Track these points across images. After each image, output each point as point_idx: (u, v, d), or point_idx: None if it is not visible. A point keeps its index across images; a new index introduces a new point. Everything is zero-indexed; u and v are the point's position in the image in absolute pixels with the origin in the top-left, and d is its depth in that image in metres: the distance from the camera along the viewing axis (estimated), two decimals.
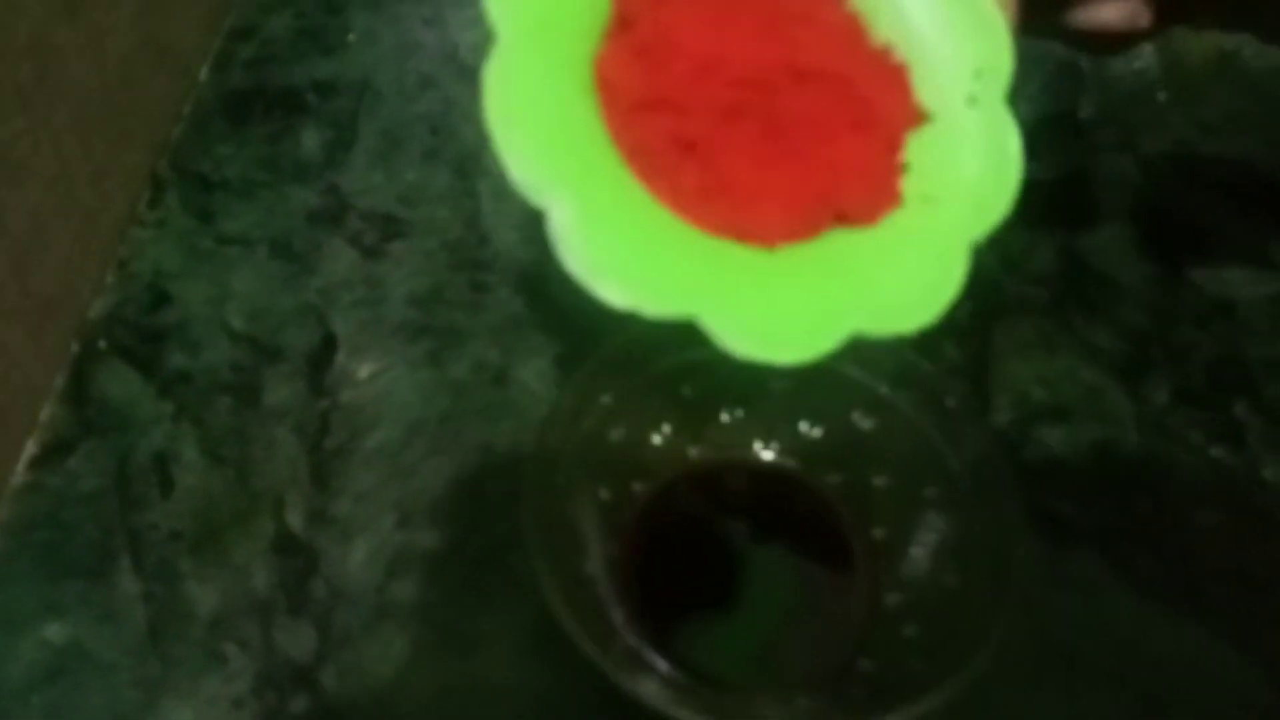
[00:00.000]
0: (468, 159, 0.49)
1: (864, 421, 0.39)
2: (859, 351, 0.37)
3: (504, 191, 0.48)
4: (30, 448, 0.41)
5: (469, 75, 0.51)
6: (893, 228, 0.26)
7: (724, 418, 0.40)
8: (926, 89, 0.27)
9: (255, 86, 0.51)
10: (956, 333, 0.45)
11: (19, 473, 0.40)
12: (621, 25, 0.26)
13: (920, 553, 0.37)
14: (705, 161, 0.25)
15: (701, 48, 0.26)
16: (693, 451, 0.40)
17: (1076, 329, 0.46)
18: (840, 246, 0.26)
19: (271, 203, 0.47)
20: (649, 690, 0.33)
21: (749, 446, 0.40)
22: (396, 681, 0.37)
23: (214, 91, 0.51)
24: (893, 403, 0.38)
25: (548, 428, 0.36)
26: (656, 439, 0.39)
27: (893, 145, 0.27)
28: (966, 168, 0.26)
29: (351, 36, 0.53)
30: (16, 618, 0.37)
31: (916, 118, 0.27)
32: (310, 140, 0.49)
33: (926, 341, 0.44)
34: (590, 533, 0.37)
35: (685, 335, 0.38)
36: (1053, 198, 0.50)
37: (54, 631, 0.37)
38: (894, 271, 0.26)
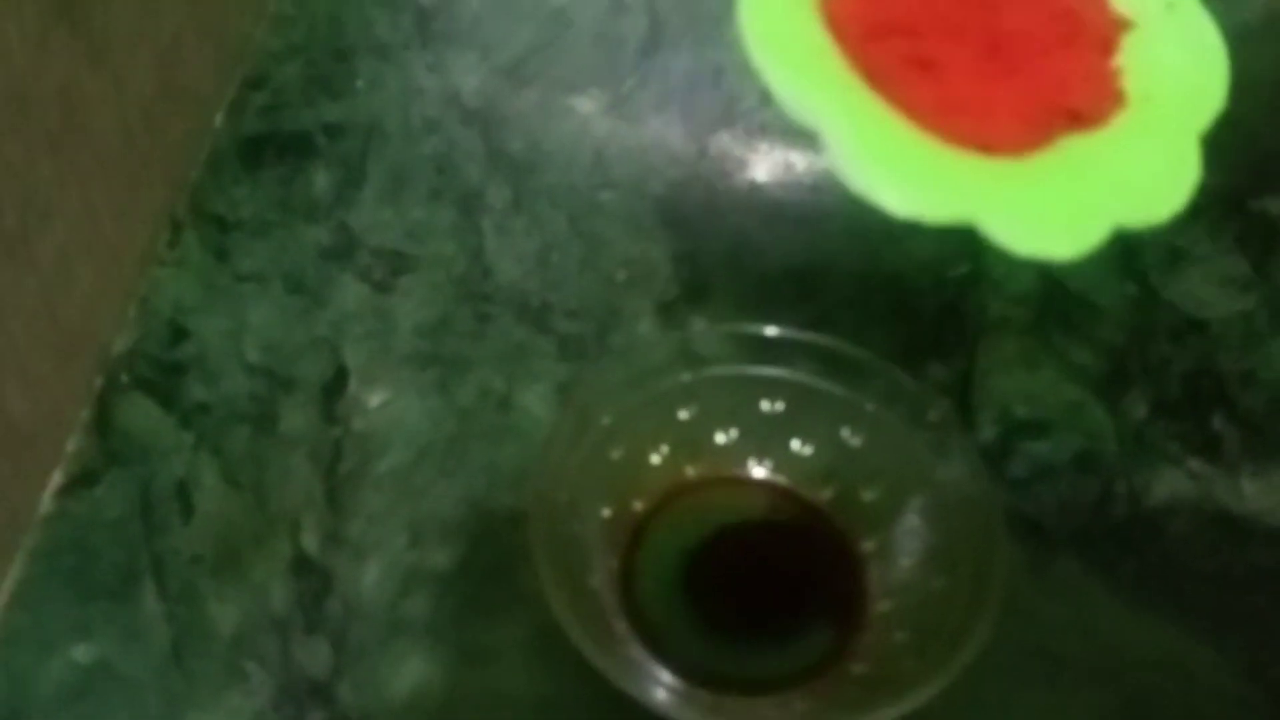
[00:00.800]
0: (471, 196, 0.51)
1: (853, 438, 0.41)
2: (845, 372, 0.40)
3: (506, 226, 0.50)
4: (57, 478, 0.43)
5: (472, 117, 0.54)
6: (1122, 127, 0.27)
7: (719, 438, 0.41)
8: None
9: (268, 131, 0.53)
10: (941, 352, 0.47)
11: (47, 501, 0.42)
12: None
13: (908, 561, 0.39)
14: (940, 79, 0.27)
15: None
16: (690, 470, 0.41)
17: (1057, 346, 0.48)
18: (1082, 149, 0.27)
19: (284, 241, 0.50)
20: (651, 696, 0.34)
21: (743, 464, 0.42)
22: (410, 694, 0.38)
23: (229, 136, 0.53)
24: (880, 419, 0.40)
25: (550, 448, 0.38)
26: (655, 458, 0.41)
27: (1106, 51, 0.29)
28: (1177, 65, 0.28)
29: (360, 82, 0.55)
30: (46, 639, 0.39)
31: (1121, 25, 0.29)
32: (321, 181, 0.52)
33: (914, 361, 0.47)
34: (593, 548, 0.39)
35: (678, 357, 0.40)
36: None
37: (82, 652, 0.39)
38: (1137, 166, 0.27)
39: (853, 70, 0.26)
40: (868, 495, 0.40)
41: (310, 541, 0.41)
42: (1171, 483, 0.44)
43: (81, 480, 0.43)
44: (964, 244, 0.51)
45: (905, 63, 0.27)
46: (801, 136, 0.25)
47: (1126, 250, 0.50)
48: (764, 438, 0.41)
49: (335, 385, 0.45)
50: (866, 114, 0.25)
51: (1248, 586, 0.41)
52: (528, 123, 0.54)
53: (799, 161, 0.52)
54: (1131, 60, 0.28)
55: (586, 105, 0.54)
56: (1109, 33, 0.29)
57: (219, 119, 0.53)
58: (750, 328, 0.41)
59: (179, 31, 0.50)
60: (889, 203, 0.24)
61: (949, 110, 0.26)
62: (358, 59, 0.56)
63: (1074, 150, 0.27)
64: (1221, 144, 0.27)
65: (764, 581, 0.39)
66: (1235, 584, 0.41)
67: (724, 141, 0.53)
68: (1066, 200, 0.26)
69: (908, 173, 0.25)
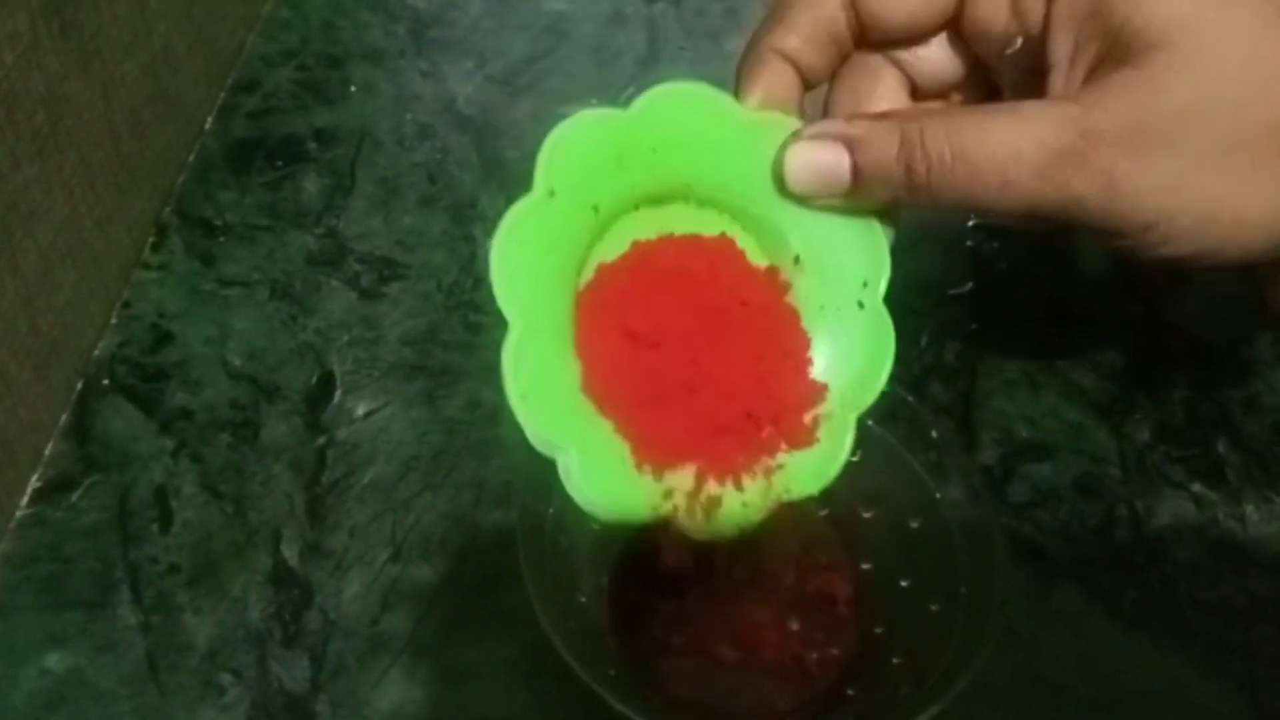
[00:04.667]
0: (463, 205, 0.51)
1: (853, 456, 0.40)
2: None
3: None
4: (34, 482, 0.42)
5: (466, 125, 0.53)
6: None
7: None
8: (826, 291, 0.33)
9: (258, 135, 0.52)
10: (943, 373, 0.46)
11: (23, 506, 0.41)
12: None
13: (907, 584, 0.38)
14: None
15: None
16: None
17: (1059, 369, 0.47)
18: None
19: (272, 246, 0.49)
20: (641, 717, 0.33)
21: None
22: (390, 712, 0.37)
23: (218, 140, 0.52)
24: (880, 438, 0.39)
25: (538, 460, 0.37)
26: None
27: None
28: (854, 358, 0.33)
29: (352, 88, 0.54)
30: (18, 647, 0.38)
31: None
32: (311, 186, 0.51)
33: (914, 381, 0.46)
34: (582, 563, 0.38)
35: None
36: (1036, 244, 0.51)
37: (55, 661, 0.38)
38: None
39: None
40: (866, 514, 0.39)
41: (290, 553, 0.40)
42: (1174, 508, 0.43)
43: (58, 485, 0.42)
44: (967, 262, 0.50)
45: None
46: None
47: (1131, 273, 0.50)
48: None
49: (320, 394, 0.44)
50: (593, 449, 0.31)
51: (1251, 616, 0.40)
52: (522, 132, 0.53)
53: None
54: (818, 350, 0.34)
55: None
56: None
57: (208, 122, 0.53)
58: None
59: (171, 37, 0.49)
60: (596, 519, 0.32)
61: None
62: (351, 65, 0.55)
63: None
64: None
65: (758, 600, 0.38)
66: (1238, 613, 0.40)
67: None
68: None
69: (610, 497, 0.32)
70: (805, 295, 0.33)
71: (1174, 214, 0.31)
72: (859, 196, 0.32)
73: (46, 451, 0.42)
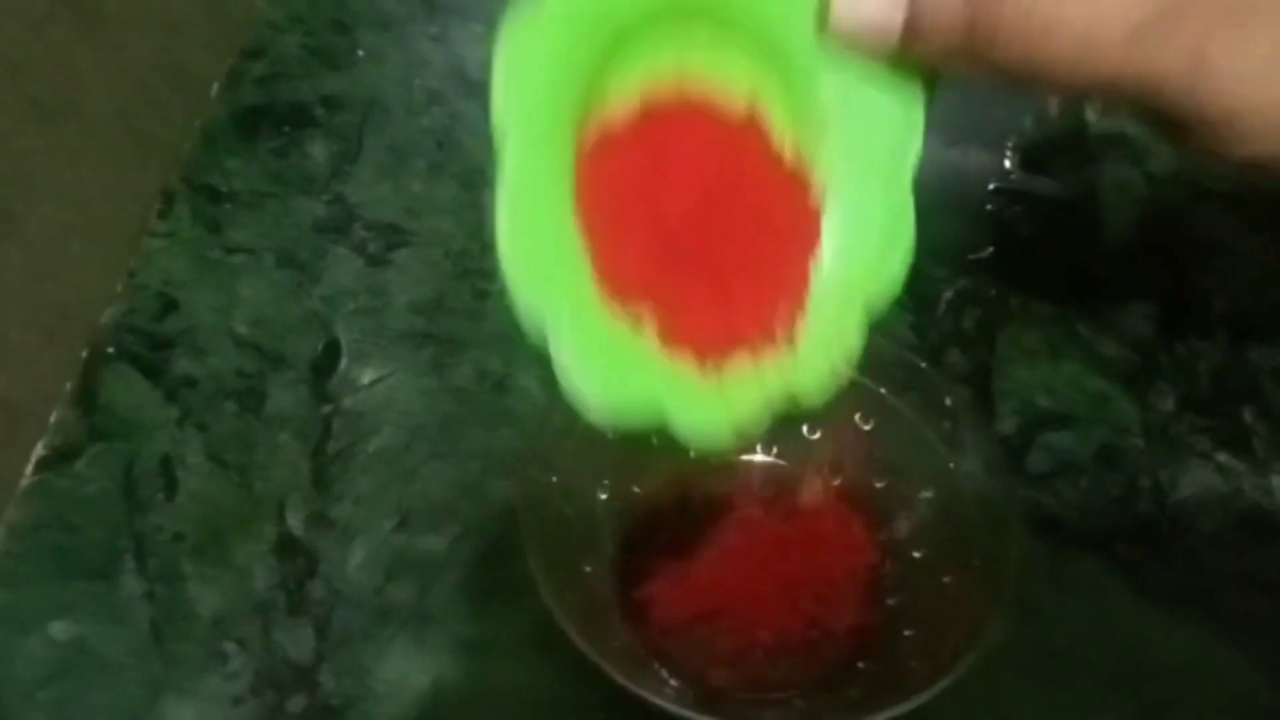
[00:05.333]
0: (473, 172, 0.50)
1: (865, 424, 0.39)
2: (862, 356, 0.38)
3: None
4: (39, 450, 0.41)
5: (475, 90, 0.52)
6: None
7: None
8: (850, 160, 0.30)
9: (265, 102, 0.52)
10: (962, 340, 0.45)
11: (28, 475, 0.41)
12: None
13: (920, 555, 0.37)
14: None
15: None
16: (693, 452, 0.40)
17: (1082, 338, 0.46)
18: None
19: (279, 213, 0.48)
20: (648, 690, 0.33)
21: (750, 448, 0.40)
22: (393, 683, 0.37)
23: (225, 107, 0.52)
24: (894, 406, 0.38)
25: (545, 427, 0.36)
26: (656, 440, 0.39)
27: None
28: (870, 239, 0.30)
29: (361, 54, 0.54)
30: (24, 616, 0.38)
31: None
32: (318, 153, 0.50)
33: (932, 348, 0.45)
34: (589, 533, 0.37)
35: None
36: (1061, 210, 0.50)
37: (60, 630, 0.38)
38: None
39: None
40: (879, 484, 0.39)
41: (295, 522, 0.40)
42: (1199, 479, 0.42)
43: (64, 454, 0.41)
44: (987, 227, 0.49)
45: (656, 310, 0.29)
46: None
47: (1159, 239, 0.49)
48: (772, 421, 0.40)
49: (326, 362, 0.44)
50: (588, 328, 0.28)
51: (1277, 589, 0.39)
52: None
53: None
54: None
55: None
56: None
57: (215, 89, 0.52)
58: None
59: (178, 4, 0.49)
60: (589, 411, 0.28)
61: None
62: (360, 30, 0.54)
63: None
64: None
65: (767, 571, 0.37)
66: (1264, 586, 0.39)
67: None
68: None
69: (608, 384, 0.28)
70: (826, 161, 0.30)
71: (1263, 105, 0.27)
72: (909, 50, 0.28)
73: (52, 419, 0.42)
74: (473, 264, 0.47)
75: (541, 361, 0.28)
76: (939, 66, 0.29)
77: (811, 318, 0.30)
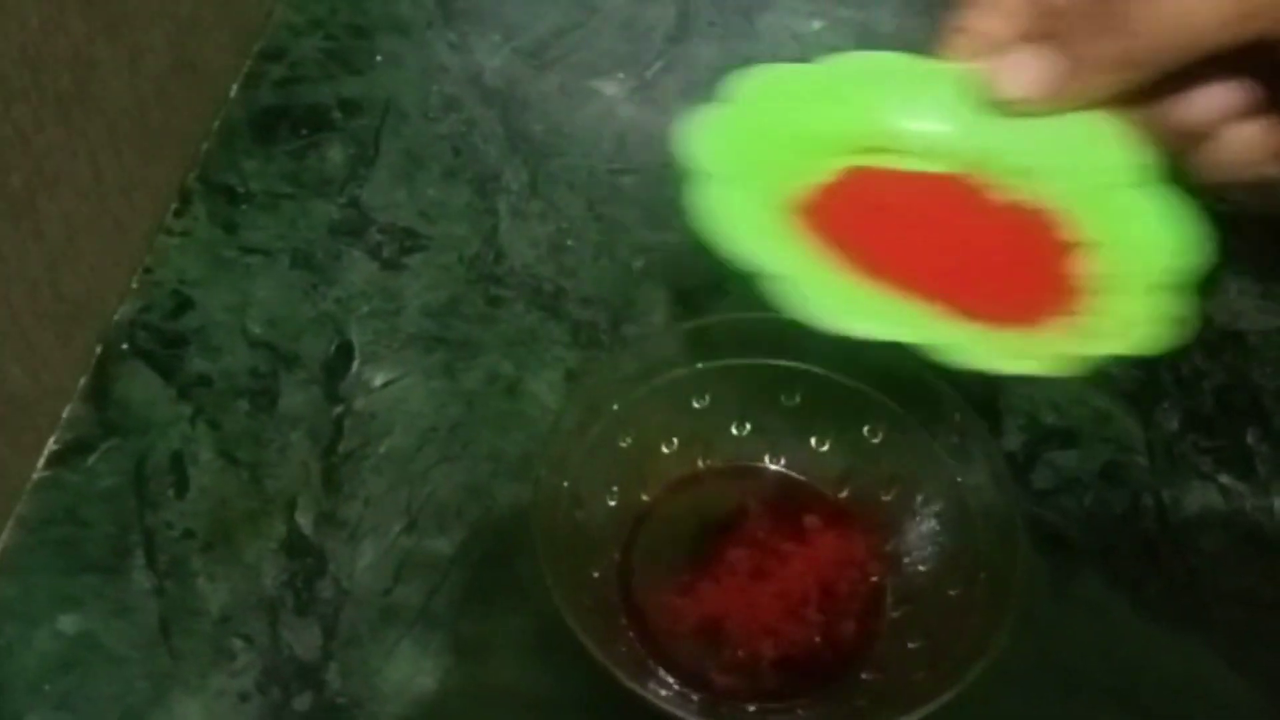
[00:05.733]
0: (488, 178, 0.50)
1: (873, 436, 0.39)
2: (869, 368, 0.38)
3: (522, 209, 0.49)
4: (51, 445, 0.42)
5: (492, 97, 0.52)
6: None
7: (734, 430, 0.40)
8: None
9: (283, 104, 0.52)
10: None
11: (40, 469, 0.41)
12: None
13: (926, 567, 0.38)
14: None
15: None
16: (702, 462, 0.40)
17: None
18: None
19: (294, 215, 0.48)
20: (654, 695, 0.33)
21: (758, 458, 0.40)
22: (400, 683, 0.37)
23: (243, 108, 0.52)
24: (902, 419, 0.39)
25: (556, 432, 0.37)
26: (665, 448, 0.40)
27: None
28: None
29: (379, 58, 0.54)
30: (33, 609, 0.38)
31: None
32: (335, 156, 0.51)
33: (939, 364, 0.45)
34: (597, 538, 0.38)
35: (692, 346, 0.39)
36: None
37: (68, 623, 0.38)
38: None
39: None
40: (886, 496, 0.39)
41: (305, 521, 0.40)
42: (1201, 498, 0.42)
43: (76, 448, 0.42)
44: None
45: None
46: None
47: None
48: (780, 432, 0.40)
49: (338, 363, 0.44)
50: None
51: (1277, 608, 0.40)
52: (549, 105, 0.53)
53: None
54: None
55: (610, 89, 0.53)
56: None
57: (234, 90, 0.52)
58: (768, 318, 0.39)
59: (198, 4, 0.49)
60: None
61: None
62: (378, 35, 0.55)
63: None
64: None
65: (774, 581, 0.38)
66: (1264, 605, 0.40)
67: None
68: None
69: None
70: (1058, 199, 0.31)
71: None
72: (1081, 88, 0.30)
73: (65, 415, 0.42)
74: (485, 269, 0.47)
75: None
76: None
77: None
